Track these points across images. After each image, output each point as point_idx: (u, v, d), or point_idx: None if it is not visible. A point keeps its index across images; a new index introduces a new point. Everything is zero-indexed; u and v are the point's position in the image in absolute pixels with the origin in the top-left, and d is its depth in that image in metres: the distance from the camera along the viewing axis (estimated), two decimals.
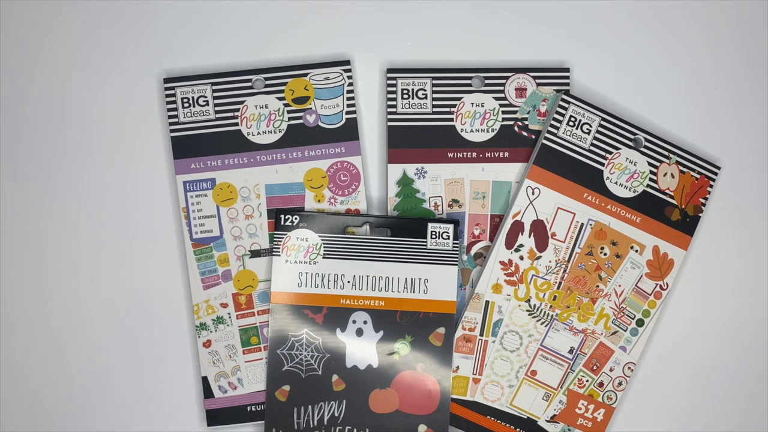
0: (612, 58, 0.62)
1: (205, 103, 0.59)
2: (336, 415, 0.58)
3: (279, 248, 0.58)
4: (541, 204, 0.59)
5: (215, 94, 0.59)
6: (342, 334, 0.58)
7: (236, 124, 0.60)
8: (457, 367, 0.59)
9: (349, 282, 0.58)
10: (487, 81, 0.60)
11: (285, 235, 0.58)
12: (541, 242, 0.59)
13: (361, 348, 0.58)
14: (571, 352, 0.60)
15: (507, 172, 0.60)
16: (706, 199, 0.60)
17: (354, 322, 0.58)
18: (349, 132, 0.60)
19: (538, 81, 0.60)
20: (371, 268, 0.58)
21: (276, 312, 0.58)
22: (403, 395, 0.58)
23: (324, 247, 0.58)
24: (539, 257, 0.59)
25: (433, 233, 0.59)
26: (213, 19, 0.61)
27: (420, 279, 0.58)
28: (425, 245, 0.58)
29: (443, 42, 0.62)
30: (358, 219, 0.59)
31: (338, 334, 0.58)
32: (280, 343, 0.58)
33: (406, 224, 0.59)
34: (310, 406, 0.58)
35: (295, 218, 0.58)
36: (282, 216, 0.58)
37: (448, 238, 0.59)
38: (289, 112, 0.60)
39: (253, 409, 0.59)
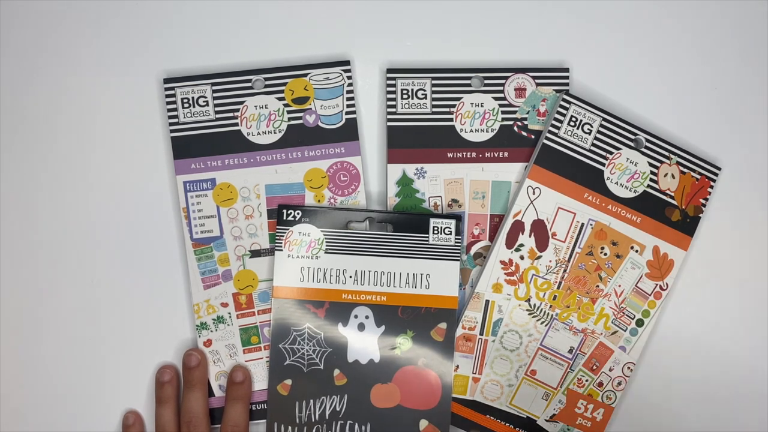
0: (612, 58, 0.62)
1: (205, 103, 0.59)
2: (337, 409, 0.58)
3: (281, 243, 0.58)
4: (542, 204, 0.59)
5: (215, 95, 0.59)
6: (344, 329, 0.58)
7: (236, 125, 0.59)
8: (457, 366, 0.59)
9: (351, 277, 0.58)
10: (486, 81, 0.60)
11: (287, 230, 0.58)
12: (542, 242, 0.59)
13: (363, 343, 0.58)
14: (570, 351, 0.60)
15: (506, 172, 0.60)
16: (706, 199, 0.60)
17: (356, 316, 0.58)
18: (348, 132, 0.60)
19: (537, 81, 0.60)
20: (373, 263, 0.58)
21: (278, 306, 0.58)
22: (405, 390, 0.58)
23: (326, 242, 0.58)
24: (539, 257, 0.59)
25: (435, 229, 0.59)
26: (213, 19, 0.61)
27: (422, 274, 0.58)
28: (427, 240, 0.59)
29: (443, 42, 0.62)
30: (361, 214, 0.59)
31: (340, 328, 0.58)
32: (282, 338, 0.58)
33: (408, 220, 0.59)
34: (311, 401, 0.58)
35: (298, 213, 0.59)
36: (284, 211, 0.58)
37: (450, 234, 0.59)
38: (289, 112, 0.60)
39: (254, 408, 0.59)
